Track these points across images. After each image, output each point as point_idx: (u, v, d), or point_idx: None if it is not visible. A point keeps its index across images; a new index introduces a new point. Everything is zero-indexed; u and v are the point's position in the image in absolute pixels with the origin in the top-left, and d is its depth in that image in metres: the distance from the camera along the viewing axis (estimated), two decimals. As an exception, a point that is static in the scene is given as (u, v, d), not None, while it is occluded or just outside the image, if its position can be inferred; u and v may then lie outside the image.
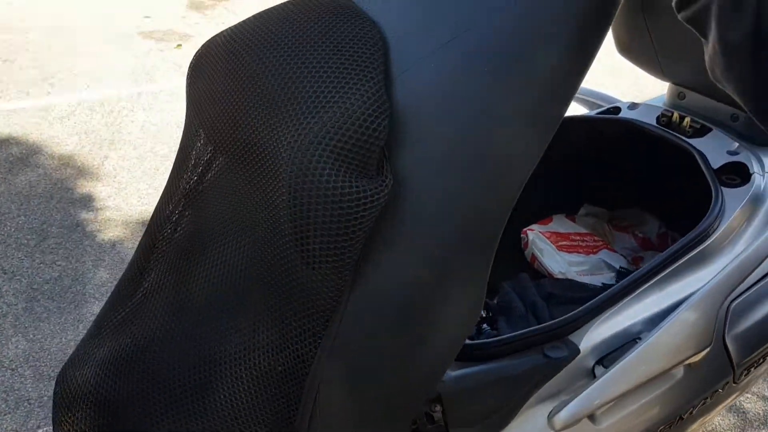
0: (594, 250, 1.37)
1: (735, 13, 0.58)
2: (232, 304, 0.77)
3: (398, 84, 0.67)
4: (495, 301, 1.26)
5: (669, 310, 0.97)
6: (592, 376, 0.95)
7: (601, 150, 1.37)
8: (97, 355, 0.83)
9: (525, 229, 1.39)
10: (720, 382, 1.02)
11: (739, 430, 1.82)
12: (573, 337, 0.96)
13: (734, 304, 0.98)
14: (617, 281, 1.30)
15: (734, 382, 1.03)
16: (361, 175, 0.64)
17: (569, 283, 1.26)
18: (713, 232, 1.03)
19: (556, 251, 1.34)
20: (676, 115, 1.23)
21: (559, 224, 1.42)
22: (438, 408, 0.91)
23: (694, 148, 1.15)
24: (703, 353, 0.96)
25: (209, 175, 0.83)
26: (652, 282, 0.99)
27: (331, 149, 0.63)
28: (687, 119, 1.21)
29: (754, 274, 1.00)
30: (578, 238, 1.39)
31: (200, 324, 0.78)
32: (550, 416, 0.91)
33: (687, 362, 0.96)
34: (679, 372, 0.98)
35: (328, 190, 0.62)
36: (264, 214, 0.71)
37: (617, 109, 1.34)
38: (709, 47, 0.63)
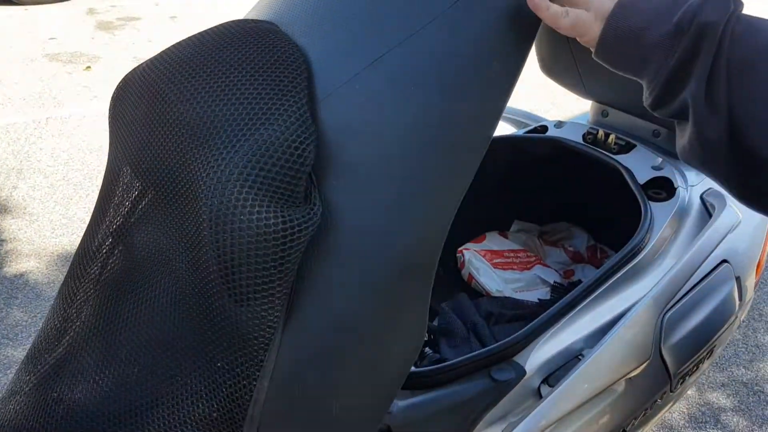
0: (528, 266, 1.39)
1: (711, 115, 0.60)
2: (163, 348, 0.72)
3: (324, 107, 0.65)
4: (435, 323, 1.26)
5: (608, 325, 0.99)
6: (538, 395, 0.96)
7: (530, 167, 1.39)
8: (19, 415, 0.77)
9: (460, 249, 1.40)
10: (658, 393, 1.04)
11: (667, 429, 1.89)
12: (518, 358, 0.96)
13: (668, 315, 1.01)
14: (552, 296, 1.32)
15: (671, 391, 1.06)
16: (288, 204, 0.61)
17: (507, 301, 1.28)
18: (644, 246, 1.06)
19: (492, 269, 1.35)
20: (601, 132, 1.27)
21: (493, 241, 1.44)
22: (387, 438, 0.89)
23: (621, 164, 1.19)
24: (643, 366, 0.98)
25: (137, 211, 0.78)
26: (590, 299, 1.01)
27: (254, 179, 0.60)
28: (612, 136, 1.25)
29: (684, 287, 1.03)
30: (512, 254, 1.41)
31: (130, 371, 0.73)
32: (500, 440, 0.91)
33: (628, 376, 0.98)
34: (620, 386, 1.00)
35: (252, 222, 0.59)
36: (188, 252, 0.67)
37: (544, 128, 1.37)
38: (686, 140, 0.64)
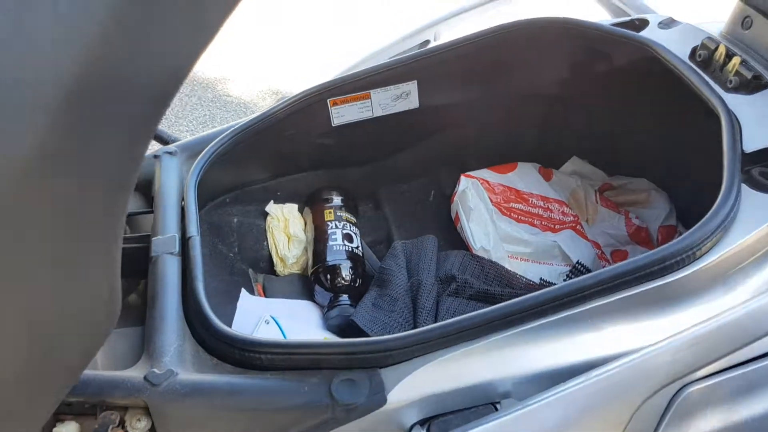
0: (555, 227, 0.93)
1: None
2: None
3: None
4: (380, 266, 0.87)
5: (568, 372, 0.56)
6: (405, 443, 0.57)
7: (604, 81, 0.90)
8: None
9: (464, 174, 0.96)
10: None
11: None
12: (390, 372, 0.57)
13: (690, 390, 0.56)
14: (565, 279, 0.87)
15: None
16: None
17: (489, 267, 0.84)
18: (701, 256, 0.59)
19: (495, 214, 0.91)
20: (721, 49, 0.75)
21: (524, 176, 0.98)
22: (143, 423, 0.57)
23: (726, 108, 0.68)
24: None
25: None
26: (562, 315, 0.58)
27: None
28: (735, 60, 0.73)
29: (748, 348, 0.57)
30: (541, 203, 0.95)
31: None
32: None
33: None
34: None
35: None
36: None
37: (644, 23, 0.86)
38: None
